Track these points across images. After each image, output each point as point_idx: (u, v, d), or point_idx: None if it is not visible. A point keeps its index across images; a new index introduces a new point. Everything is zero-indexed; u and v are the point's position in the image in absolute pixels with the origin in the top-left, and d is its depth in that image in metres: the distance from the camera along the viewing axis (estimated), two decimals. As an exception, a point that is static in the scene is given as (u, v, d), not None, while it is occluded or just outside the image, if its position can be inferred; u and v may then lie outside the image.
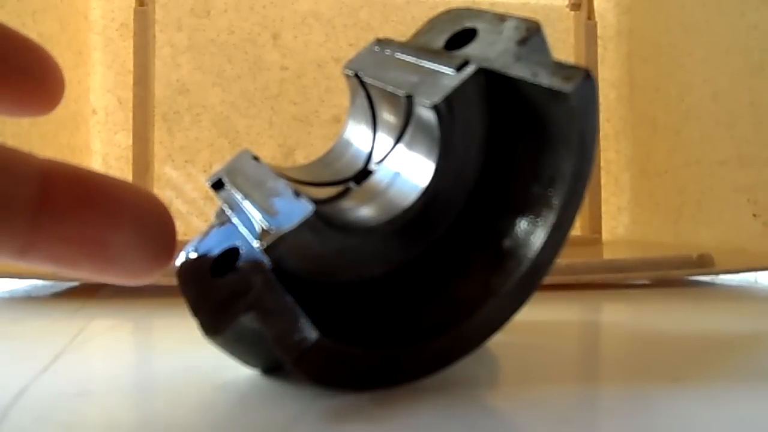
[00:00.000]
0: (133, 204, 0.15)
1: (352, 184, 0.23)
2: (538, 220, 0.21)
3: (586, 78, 0.18)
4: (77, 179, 0.15)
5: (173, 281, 0.20)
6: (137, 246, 0.15)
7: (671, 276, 0.45)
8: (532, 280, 0.21)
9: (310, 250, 0.20)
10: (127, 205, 0.15)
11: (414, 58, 0.22)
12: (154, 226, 0.15)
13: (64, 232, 0.15)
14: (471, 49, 0.21)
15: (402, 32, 0.61)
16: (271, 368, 0.22)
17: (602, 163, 0.69)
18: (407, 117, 0.22)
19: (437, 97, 0.20)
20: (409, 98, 0.21)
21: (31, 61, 0.15)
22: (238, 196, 0.21)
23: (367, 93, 0.24)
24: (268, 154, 0.65)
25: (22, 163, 0.14)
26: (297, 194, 0.19)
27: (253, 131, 0.65)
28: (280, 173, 0.21)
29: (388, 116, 0.23)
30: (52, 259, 0.15)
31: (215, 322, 0.18)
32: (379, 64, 0.23)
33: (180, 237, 0.16)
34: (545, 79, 0.19)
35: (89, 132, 0.63)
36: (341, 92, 0.65)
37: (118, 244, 0.15)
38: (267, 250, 0.18)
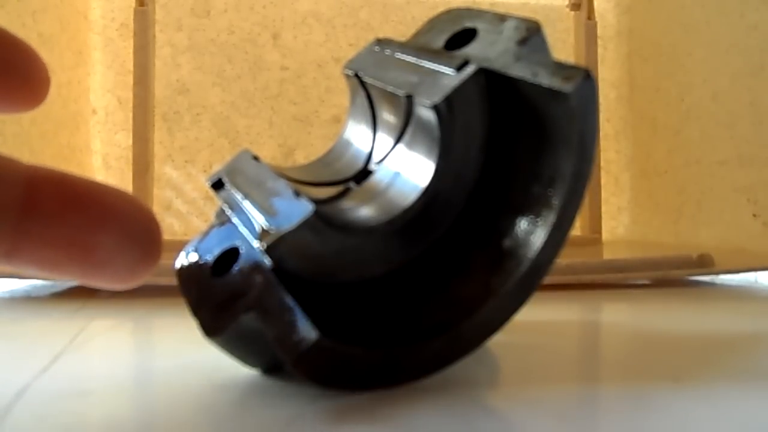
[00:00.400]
0: (118, 208, 0.15)
1: (352, 184, 0.23)
2: (538, 220, 0.21)
3: (586, 78, 0.18)
4: (62, 184, 0.15)
5: (173, 281, 0.20)
6: (123, 250, 0.15)
7: (671, 276, 0.45)
8: (532, 280, 0.21)
9: (310, 250, 0.20)
10: (112, 209, 0.15)
11: (414, 58, 0.22)
12: (139, 230, 0.16)
13: (50, 237, 0.15)
14: (471, 49, 0.21)
15: (402, 32, 0.61)
16: (271, 368, 0.22)
17: (602, 163, 0.69)
18: (407, 117, 0.22)
19: (437, 97, 0.20)
20: (409, 98, 0.21)
21: (15, 57, 0.15)
22: (238, 196, 0.21)
23: (367, 93, 0.24)
24: (268, 154, 0.65)
25: (6, 168, 0.15)
26: (297, 194, 0.19)
27: (253, 131, 0.65)
28: (280, 173, 0.21)
29: (388, 116, 0.23)
30: (37, 264, 0.15)
31: (215, 322, 0.18)
32: (379, 64, 0.23)
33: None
34: (545, 79, 0.19)
35: (89, 132, 0.63)
36: (341, 92, 0.65)
37: (103, 248, 0.15)
38: (267, 250, 0.18)
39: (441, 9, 0.24)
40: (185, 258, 0.21)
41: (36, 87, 0.16)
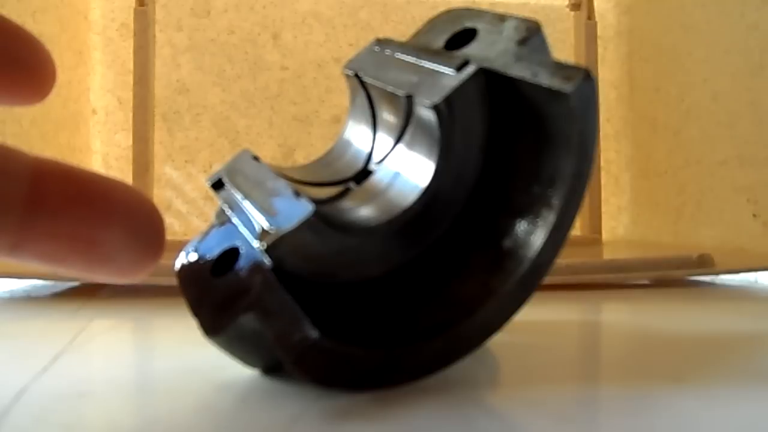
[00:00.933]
0: (122, 202, 0.15)
1: (352, 184, 0.23)
2: (538, 220, 0.21)
3: (586, 78, 0.18)
4: (68, 178, 0.15)
5: (173, 281, 0.20)
6: (127, 245, 0.15)
7: (671, 276, 0.45)
8: (532, 280, 0.21)
9: (310, 250, 0.20)
10: (117, 203, 0.15)
11: (414, 58, 0.22)
12: (143, 224, 0.16)
13: (55, 230, 0.15)
14: (471, 49, 0.21)
15: (402, 32, 0.61)
16: (271, 368, 0.22)
17: (602, 163, 0.69)
18: (407, 117, 0.22)
19: (437, 97, 0.20)
20: (409, 98, 0.21)
21: (22, 49, 0.15)
22: (238, 196, 0.21)
23: (367, 93, 0.24)
24: (268, 154, 0.65)
25: (12, 160, 0.15)
26: (297, 194, 0.19)
27: (253, 131, 0.65)
28: (280, 173, 0.21)
29: (388, 116, 0.23)
30: (42, 257, 0.15)
31: (215, 322, 0.18)
32: (379, 64, 0.23)
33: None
34: (545, 79, 0.19)
35: (89, 132, 0.63)
36: (341, 92, 0.65)
37: (108, 242, 0.15)
38: (267, 250, 0.18)
39: (441, 9, 0.24)
40: (185, 258, 0.21)
41: (42, 79, 0.16)
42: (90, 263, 0.15)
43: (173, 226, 0.63)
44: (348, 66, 0.24)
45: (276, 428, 0.17)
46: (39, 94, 0.16)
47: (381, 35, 0.25)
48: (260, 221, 0.19)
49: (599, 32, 0.67)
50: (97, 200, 0.15)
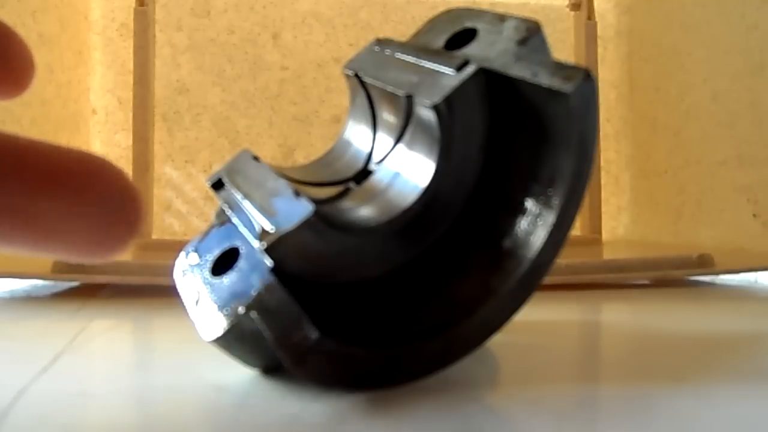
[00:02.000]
0: (69, 171, 0.14)
1: (352, 184, 0.23)
2: (538, 220, 0.21)
3: (586, 78, 0.18)
4: (40, 155, 0.13)
5: (173, 281, 0.20)
6: (78, 218, 0.14)
7: (671, 276, 0.45)
8: (532, 280, 0.21)
9: (310, 251, 0.20)
10: (60, 172, 0.13)
11: (414, 58, 0.22)
12: (102, 196, 0.14)
13: (27, 209, 0.13)
14: (471, 49, 0.21)
15: (402, 32, 0.61)
16: (271, 368, 0.22)
17: (602, 163, 0.69)
18: (407, 117, 0.22)
19: (437, 97, 0.20)
20: (409, 98, 0.21)
21: None
22: (238, 196, 0.21)
23: (367, 93, 0.24)
24: (268, 154, 0.65)
25: None
26: (297, 194, 0.19)
27: (253, 131, 0.65)
28: (280, 173, 0.21)
29: (388, 116, 0.23)
30: (8, 240, 0.13)
31: (215, 322, 0.18)
32: (379, 64, 0.23)
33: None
34: (545, 79, 0.19)
35: (89, 132, 0.63)
36: (341, 92, 0.65)
37: (50, 216, 0.13)
38: (267, 250, 0.18)
39: (441, 9, 0.24)
40: (185, 258, 0.21)
41: (19, 72, 0.15)
42: (35, 240, 0.13)
43: (173, 226, 0.63)
44: (348, 66, 0.24)
45: (276, 428, 0.17)
46: (18, 87, 0.15)
47: (381, 35, 0.25)
48: (260, 221, 0.19)
49: (599, 32, 0.67)
50: (36, 169, 0.13)
